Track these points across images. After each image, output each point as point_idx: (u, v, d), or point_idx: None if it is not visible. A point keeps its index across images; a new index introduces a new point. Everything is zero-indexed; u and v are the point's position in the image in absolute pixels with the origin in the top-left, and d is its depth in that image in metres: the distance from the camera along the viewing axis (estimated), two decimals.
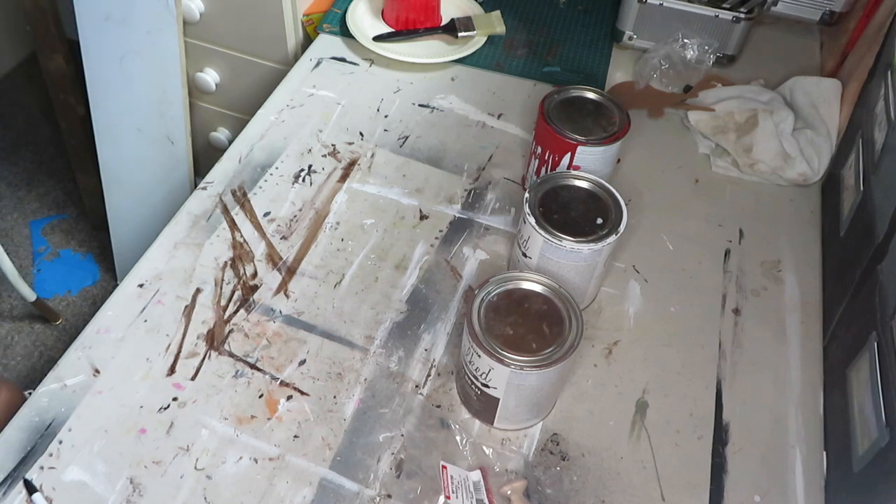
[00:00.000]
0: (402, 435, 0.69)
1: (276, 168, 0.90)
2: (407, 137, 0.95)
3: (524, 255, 0.74)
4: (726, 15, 1.01)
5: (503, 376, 0.63)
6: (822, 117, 0.95)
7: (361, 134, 0.95)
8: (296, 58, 1.11)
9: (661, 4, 1.02)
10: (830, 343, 0.77)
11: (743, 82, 1.02)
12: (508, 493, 0.65)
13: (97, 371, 0.71)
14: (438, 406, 0.71)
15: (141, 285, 0.78)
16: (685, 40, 1.00)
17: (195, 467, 0.66)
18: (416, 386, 0.72)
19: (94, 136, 1.29)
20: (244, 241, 0.82)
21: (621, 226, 0.71)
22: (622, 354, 0.76)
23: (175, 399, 0.70)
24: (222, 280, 0.79)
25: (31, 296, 1.56)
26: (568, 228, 0.71)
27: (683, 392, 0.74)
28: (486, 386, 0.65)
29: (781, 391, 0.74)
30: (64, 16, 1.37)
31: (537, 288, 0.67)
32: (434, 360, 0.74)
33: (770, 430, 0.72)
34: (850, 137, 0.89)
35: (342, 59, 1.05)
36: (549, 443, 0.69)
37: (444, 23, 1.08)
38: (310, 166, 0.91)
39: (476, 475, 0.65)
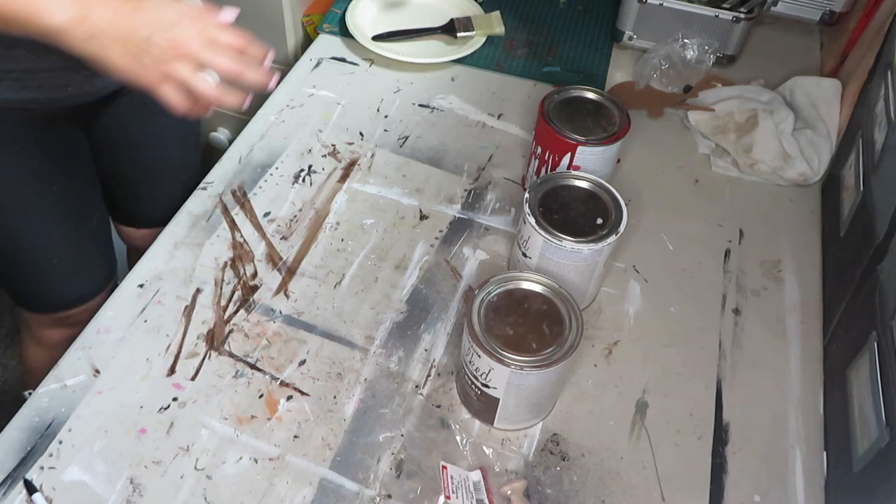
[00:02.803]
0: (402, 435, 0.68)
1: (276, 168, 0.90)
2: (407, 137, 0.95)
3: (524, 255, 0.74)
4: (726, 15, 1.01)
5: (503, 376, 0.63)
6: (822, 117, 0.95)
7: (361, 134, 0.95)
8: (296, 58, 1.11)
9: (661, 4, 1.02)
10: (830, 343, 0.77)
11: (743, 82, 1.02)
12: (508, 493, 0.65)
13: (97, 371, 0.71)
14: (438, 406, 0.71)
15: (141, 285, 0.78)
16: (685, 40, 1.00)
17: (195, 467, 0.66)
18: (416, 386, 0.72)
19: None
20: (244, 241, 0.82)
21: (621, 226, 0.71)
22: (622, 354, 0.76)
23: (175, 399, 0.70)
24: (222, 280, 0.79)
25: None
26: (568, 228, 0.71)
27: (683, 392, 0.74)
28: (486, 386, 0.65)
29: (781, 391, 0.74)
30: None
31: (537, 288, 0.67)
32: (434, 360, 0.74)
33: (770, 430, 0.72)
34: (850, 137, 0.89)
35: (342, 59, 1.05)
36: (549, 443, 0.69)
37: (443, 23, 1.08)
38: (310, 166, 0.91)
39: (476, 475, 0.65)
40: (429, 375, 0.73)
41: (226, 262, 0.80)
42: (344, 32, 1.07)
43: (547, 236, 0.70)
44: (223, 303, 0.77)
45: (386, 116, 0.97)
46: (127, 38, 0.59)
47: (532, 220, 0.71)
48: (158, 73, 0.61)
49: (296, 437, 0.68)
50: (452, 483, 0.64)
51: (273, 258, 0.81)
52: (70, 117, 0.86)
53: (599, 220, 0.72)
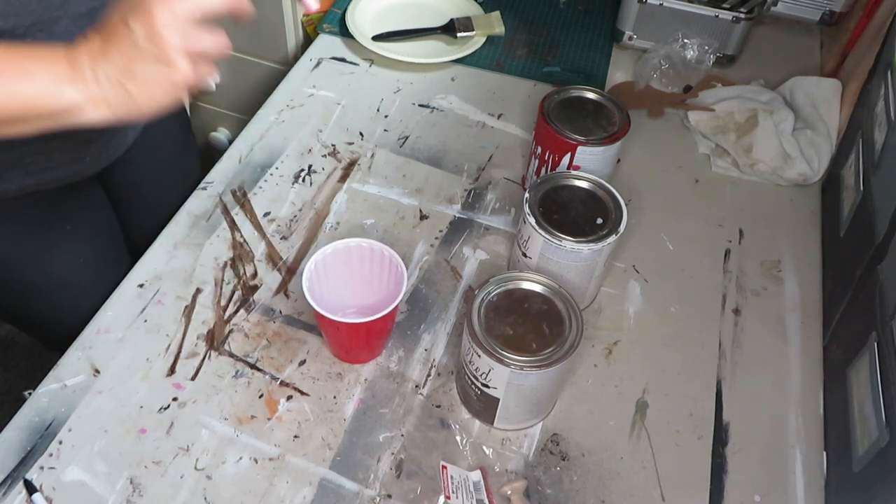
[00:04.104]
0: (402, 435, 0.69)
1: (276, 168, 0.90)
2: (407, 137, 0.95)
3: (524, 255, 0.74)
4: (726, 15, 1.01)
5: (503, 376, 0.63)
6: (822, 117, 0.95)
7: (361, 134, 0.95)
8: (296, 58, 1.11)
9: (661, 4, 1.02)
10: (830, 343, 0.77)
11: (743, 82, 1.02)
12: (508, 493, 0.65)
13: (97, 371, 0.71)
14: (438, 406, 0.71)
15: (141, 285, 0.78)
16: (685, 40, 1.00)
17: (195, 467, 0.66)
18: (416, 386, 0.72)
19: None
20: (244, 241, 0.82)
21: (621, 226, 0.71)
22: (622, 354, 0.76)
23: (175, 399, 0.70)
24: (222, 280, 0.79)
25: None
26: (568, 228, 0.71)
27: (683, 392, 0.74)
28: (486, 386, 0.65)
29: (781, 391, 0.74)
30: None
31: (537, 288, 0.67)
32: (434, 360, 0.74)
33: (770, 430, 0.72)
34: (850, 137, 0.89)
35: (342, 59, 1.05)
36: (549, 443, 0.69)
37: (443, 23, 1.08)
38: (310, 166, 0.91)
39: (476, 475, 0.65)
40: (429, 375, 0.73)
41: (226, 262, 0.80)
42: (344, 32, 1.07)
43: (547, 236, 0.70)
44: (223, 303, 0.77)
45: (386, 116, 0.97)
46: (122, 64, 0.53)
47: (532, 220, 0.71)
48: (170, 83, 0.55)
49: (296, 437, 0.68)
50: (452, 483, 0.64)
51: (273, 258, 0.81)
52: (89, 180, 0.86)
53: (599, 220, 0.72)
